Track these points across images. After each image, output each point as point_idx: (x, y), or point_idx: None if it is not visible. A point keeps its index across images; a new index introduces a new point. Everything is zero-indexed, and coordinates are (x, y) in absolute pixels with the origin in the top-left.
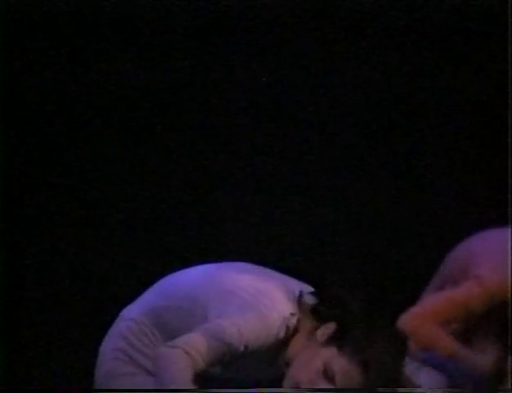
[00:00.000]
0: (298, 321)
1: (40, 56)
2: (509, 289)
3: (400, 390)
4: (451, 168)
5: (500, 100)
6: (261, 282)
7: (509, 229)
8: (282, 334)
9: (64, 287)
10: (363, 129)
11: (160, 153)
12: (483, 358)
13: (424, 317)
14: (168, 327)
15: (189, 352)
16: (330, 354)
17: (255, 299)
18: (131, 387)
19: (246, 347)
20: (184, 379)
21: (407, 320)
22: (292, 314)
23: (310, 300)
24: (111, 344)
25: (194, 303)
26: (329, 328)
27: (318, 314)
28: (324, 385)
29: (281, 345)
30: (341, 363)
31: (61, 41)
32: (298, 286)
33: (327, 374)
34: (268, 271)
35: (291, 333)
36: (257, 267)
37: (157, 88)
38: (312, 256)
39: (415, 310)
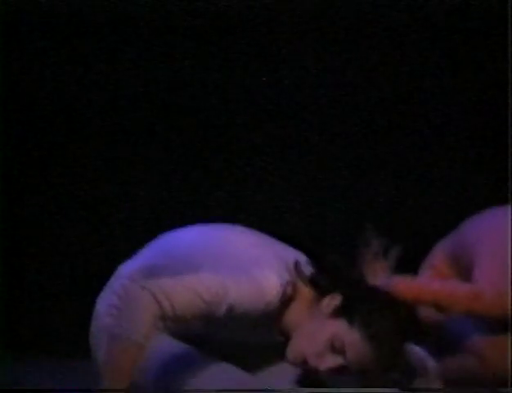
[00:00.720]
0: (295, 290)
1: (40, 56)
2: (509, 301)
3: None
4: (451, 168)
5: (500, 100)
6: (258, 248)
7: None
8: (277, 302)
9: (63, 288)
10: (363, 129)
11: (160, 153)
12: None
13: (414, 294)
14: None
15: (157, 297)
16: (340, 327)
17: (251, 265)
18: None
19: (231, 309)
20: (143, 324)
21: (400, 285)
22: (288, 282)
23: (307, 269)
24: (106, 300)
25: (189, 264)
26: (335, 299)
27: (319, 285)
28: (331, 358)
29: (276, 313)
30: (352, 337)
31: (61, 41)
32: (294, 254)
33: (335, 347)
34: (265, 237)
35: (286, 302)
36: (255, 232)
37: (157, 88)
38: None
39: (412, 284)
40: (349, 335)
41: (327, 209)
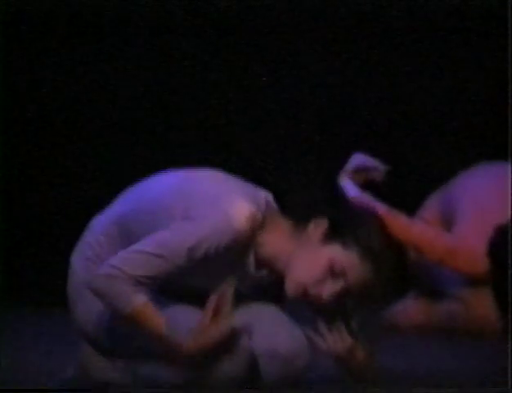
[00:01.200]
0: (270, 221)
1: (40, 56)
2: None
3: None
4: (451, 167)
5: (500, 100)
6: (227, 183)
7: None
8: (247, 229)
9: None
10: (363, 129)
11: (160, 153)
12: None
13: (395, 229)
14: (135, 234)
15: (119, 274)
16: (335, 251)
17: (219, 198)
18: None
19: (195, 249)
20: (127, 295)
21: (386, 215)
22: (257, 210)
23: (277, 204)
24: (81, 254)
25: (160, 207)
26: (321, 225)
27: (297, 212)
28: (332, 283)
29: (249, 244)
30: (350, 258)
31: (61, 41)
32: (263, 192)
33: (335, 271)
34: (235, 177)
35: (261, 233)
36: (224, 173)
37: (157, 88)
38: None
39: (397, 218)
40: (346, 257)
41: (327, 208)
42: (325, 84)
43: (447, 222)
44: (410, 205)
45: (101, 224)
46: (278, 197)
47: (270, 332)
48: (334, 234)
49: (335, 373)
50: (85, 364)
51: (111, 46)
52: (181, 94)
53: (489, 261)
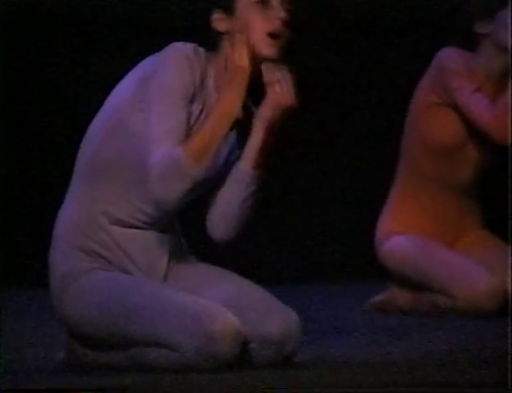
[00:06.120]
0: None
1: (40, 56)
2: None
3: None
4: None
5: None
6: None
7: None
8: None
9: None
10: (363, 129)
11: None
12: None
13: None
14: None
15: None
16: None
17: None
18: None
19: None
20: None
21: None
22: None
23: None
24: (56, 249)
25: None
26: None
27: None
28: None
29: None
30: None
31: (61, 41)
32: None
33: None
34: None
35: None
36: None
37: None
38: None
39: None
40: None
41: (327, 209)
42: (326, 84)
43: None
44: None
45: (65, 214)
46: (277, 195)
47: (261, 315)
48: None
49: (325, 355)
50: (73, 350)
51: (111, 46)
52: None
53: None
